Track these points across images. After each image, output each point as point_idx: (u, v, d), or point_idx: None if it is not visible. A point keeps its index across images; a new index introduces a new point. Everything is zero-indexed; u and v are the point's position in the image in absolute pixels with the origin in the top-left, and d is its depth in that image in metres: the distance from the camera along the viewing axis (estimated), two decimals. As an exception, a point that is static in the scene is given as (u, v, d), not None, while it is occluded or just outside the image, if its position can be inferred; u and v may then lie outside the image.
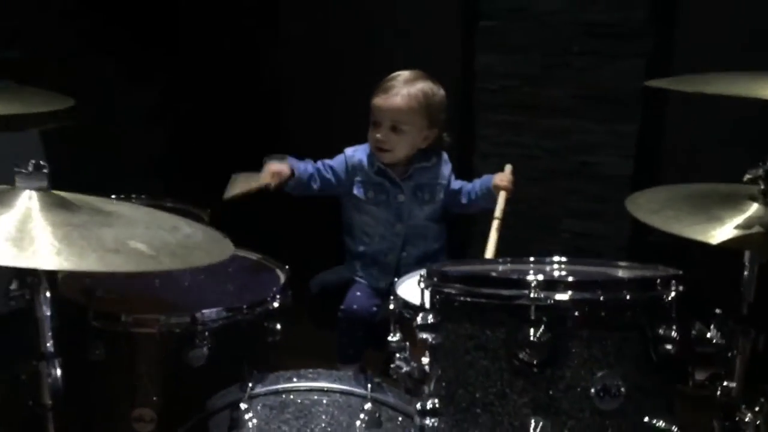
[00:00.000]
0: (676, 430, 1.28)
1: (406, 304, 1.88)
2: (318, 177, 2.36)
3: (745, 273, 1.70)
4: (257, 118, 3.78)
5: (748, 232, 1.63)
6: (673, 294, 1.30)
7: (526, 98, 3.40)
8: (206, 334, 1.84)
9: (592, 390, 1.26)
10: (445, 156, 2.43)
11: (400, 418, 1.67)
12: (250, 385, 1.67)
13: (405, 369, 1.84)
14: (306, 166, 2.34)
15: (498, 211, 2.27)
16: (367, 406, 1.61)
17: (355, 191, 2.37)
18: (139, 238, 1.41)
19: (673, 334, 1.28)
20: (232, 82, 3.80)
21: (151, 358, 1.86)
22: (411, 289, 1.97)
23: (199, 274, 2.16)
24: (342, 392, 1.68)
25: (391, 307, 1.92)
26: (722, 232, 1.60)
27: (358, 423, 1.60)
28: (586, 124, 3.29)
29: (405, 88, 2.29)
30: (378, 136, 2.30)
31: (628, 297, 1.28)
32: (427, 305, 1.43)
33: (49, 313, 1.50)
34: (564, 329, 1.26)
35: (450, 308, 1.36)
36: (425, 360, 1.46)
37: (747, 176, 1.72)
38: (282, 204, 2.49)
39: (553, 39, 3.30)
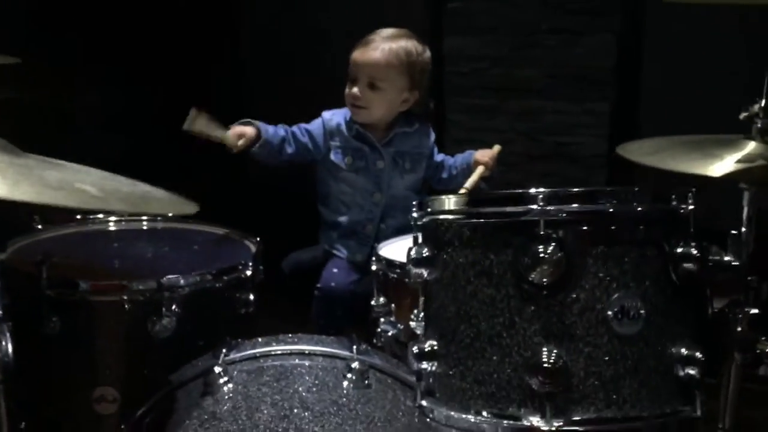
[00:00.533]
0: (700, 357, 1.16)
1: (390, 263, 1.75)
2: (293, 140, 2.20)
3: (744, 217, 1.62)
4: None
5: (750, 165, 1.55)
6: (690, 207, 1.18)
7: (497, 80, 3.30)
8: (173, 302, 1.68)
9: (609, 312, 1.14)
10: (429, 126, 2.30)
11: (389, 380, 1.52)
12: (224, 351, 1.52)
13: (391, 332, 1.72)
14: (277, 130, 2.18)
15: (469, 183, 2.11)
16: (355, 365, 1.46)
17: (332, 157, 2.22)
18: (88, 182, 1.28)
19: (693, 251, 1.16)
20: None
21: (113, 330, 1.69)
22: (393, 250, 1.85)
23: (163, 246, 2.02)
24: (325, 355, 1.54)
25: (374, 268, 1.79)
26: (722, 166, 1.52)
27: (345, 384, 1.45)
28: (559, 105, 3.21)
29: (386, 43, 2.16)
30: (353, 90, 2.16)
31: (641, 209, 1.16)
32: (420, 240, 1.29)
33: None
34: (576, 246, 1.13)
35: (447, 237, 1.23)
36: (418, 309, 1.32)
37: (743, 114, 1.65)
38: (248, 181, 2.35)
39: (522, 18, 3.22)
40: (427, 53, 2.23)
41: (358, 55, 2.18)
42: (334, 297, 2.09)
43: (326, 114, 2.26)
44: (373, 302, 1.79)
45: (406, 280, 1.65)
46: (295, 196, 2.49)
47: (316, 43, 3.66)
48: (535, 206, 1.14)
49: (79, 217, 2.14)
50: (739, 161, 1.57)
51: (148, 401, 1.53)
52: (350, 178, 2.22)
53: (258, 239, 1.97)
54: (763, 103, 1.60)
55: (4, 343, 1.33)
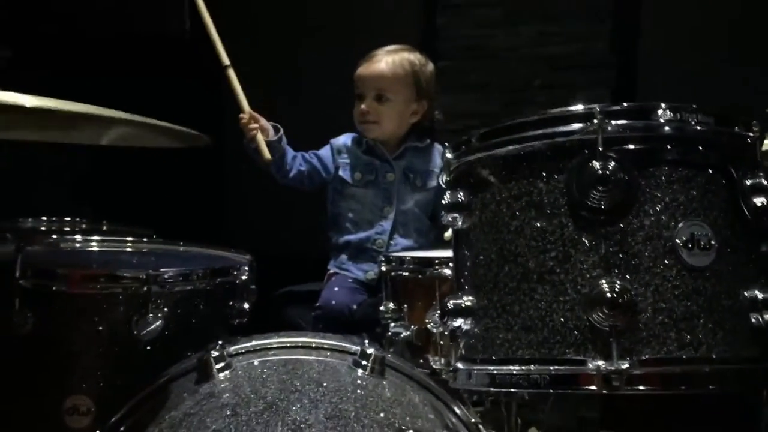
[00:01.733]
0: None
1: (401, 261, 1.61)
2: (304, 161, 2.16)
3: None
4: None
5: None
6: (756, 134, 1.07)
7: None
8: (161, 301, 1.51)
9: (678, 241, 1.00)
10: (440, 147, 2.22)
11: (404, 376, 1.35)
12: (219, 343, 1.34)
13: (404, 334, 1.56)
14: (290, 150, 2.14)
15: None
16: (370, 351, 1.29)
17: (341, 173, 2.17)
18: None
19: (764, 182, 1.05)
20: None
21: (93, 328, 1.49)
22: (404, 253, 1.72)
23: (149, 257, 1.85)
24: (334, 348, 1.36)
25: (384, 269, 1.65)
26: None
27: (359, 371, 1.27)
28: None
29: (389, 56, 2.15)
30: (362, 107, 2.13)
31: (704, 129, 1.05)
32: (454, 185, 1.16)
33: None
34: (638, 166, 1.01)
35: (485, 174, 1.11)
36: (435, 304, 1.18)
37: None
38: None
39: (513, 75, 3.20)
40: (431, 65, 2.22)
41: (362, 70, 2.16)
42: (334, 317, 1.93)
43: (332, 140, 2.24)
44: (381, 308, 1.63)
45: (419, 276, 1.55)
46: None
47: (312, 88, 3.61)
48: (591, 124, 1.02)
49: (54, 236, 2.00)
50: None
51: (130, 400, 1.34)
52: (359, 194, 2.16)
53: (251, 257, 1.82)
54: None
55: None
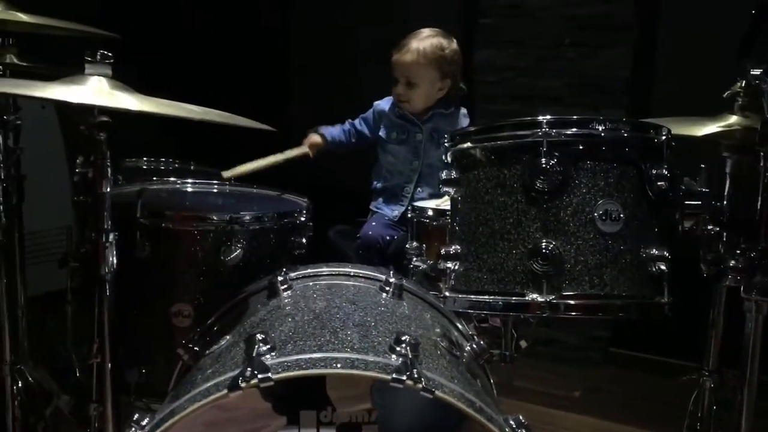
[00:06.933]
0: (667, 255, 1.47)
1: (422, 211, 2.07)
2: (354, 132, 2.74)
3: (727, 184, 1.94)
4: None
5: (728, 129, 1.87)
6: (663, 137, 1.51)
7: (522, 89, 3.65)
8: (242, 235, 2.01)
9: (595, 214, 1.45)
10: (464, 111, 2.71)
11: (418, 299, 1.82)
12: (284, 270, 1.83)
13: (422, 267, 2.04)
14: (337, 131, 2.75)
15: None
16: (392, 279, 1.76)
17: (381, 133, 2.69)
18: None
19: (665, 172, 1.48)
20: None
21: (192, 255, 2.00)
22: (426, 204, 2.18)
23: (230, 199, 2.37)
24: (366, 276, 1.84)
25: (409, 215, 2.12)
26: (706, 129, 1.84)
27: (384, 295, 1.74)
28: (577, 112, 3.51)
29: (415, 44, 2.59)
30: (397, 89, 2.62)
31: (625, 134, 1.49)
32: (450, 163, 1.62)
33: (108, 190, 1.68)
34: (571, 160, 1.46)
35: (470, 159, 1.56)
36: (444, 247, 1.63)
37: (727, 93, 1.97)
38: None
39: (546, 33, 3.56)
40: (453, 45, 2.64)
41: (394, 59, 2.63)
42: (372, 245, 2.45)
43: (376, 103, 2.75)
44: (407, 245, 2.11)
45: (435, 223, 2.02)
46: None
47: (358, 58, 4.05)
48: (539, 130, 1.46)
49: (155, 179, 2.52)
50: (719, 126, 1.90)
51: (220, 308, 1.85)
52: (394, 150, 2.66)
53: (308, 200, 2.31)
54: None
55: (112, 259, 1.67)
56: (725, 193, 1.91)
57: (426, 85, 2.59)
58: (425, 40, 2.59)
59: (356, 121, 2.76)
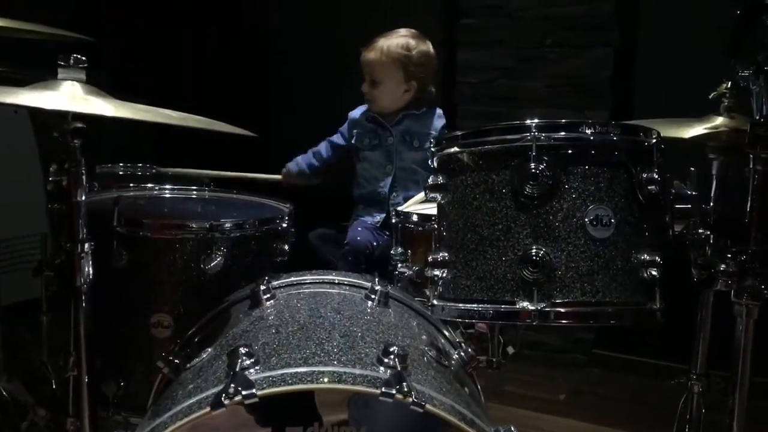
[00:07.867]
0: (659, 261, 1.44)
1: (407, 216, 2.04)
2: (331, 149, 2.75)
3: (713, 186, 1.92)
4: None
5: (715, 131, 1.85)
6: (653, 141, 1.48)
7: (504, 90, 3.62)
8: (221, 243, 1.97)
9: (586, 220, 1.42)
10: (439, 111, 2.67)
11: (404, 306, 1.79)
12: (266, 278, 1.79)
13: (407, 273, 2.00)
14: (300, 158, 2.77)
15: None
16: (378, 288, 1.73)
17: (354, 141, 2.67)
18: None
19: (655, 176, 1.45)
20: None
21: (171, 264, 1.96)
22: (410, 209, 2.14)
23: (210, 206, 2.32)
24: (351, 284, 1.81)
25: (394, 221, 2.08)
26: (693, 131, 1.82)
27: (369, 303, 1.71)
28: (561, 113, 3.50)
29: (381, 43, 2.58)
30: (363, 88, 2.62)
31: (614, 138, 1.45)
32: (436, 169, 1.58)
33: (83, 198, 1.63)
34: (561, 165, 1.42)
35: (457, 164, 1.53)
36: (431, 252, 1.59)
37: (713, 94, 1.95)
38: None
39: (527, 33, 3.54)
40: (423, 47, 2.61)
41: (362, 56, 2.63)
42: (359, 250, 2.41)
43: (350, 113, 2.73)
44: (392, 251, 2.07)
45: (420, 228, 1.99)
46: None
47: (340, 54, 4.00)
48: (529, 134, 1.43)
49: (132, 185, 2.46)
50: (706, 128, 1.89)
51: (200, 319, 1.80)
52: (368, 156, 2.65)
53: (290, 205, 2.27)
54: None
55: (88, 269, 1.62)
56: (711, 195, 1.90)
57: (391, 84, 2.57)
58: (393, 40, 2.57)
59: (333, 137, 2.75)
